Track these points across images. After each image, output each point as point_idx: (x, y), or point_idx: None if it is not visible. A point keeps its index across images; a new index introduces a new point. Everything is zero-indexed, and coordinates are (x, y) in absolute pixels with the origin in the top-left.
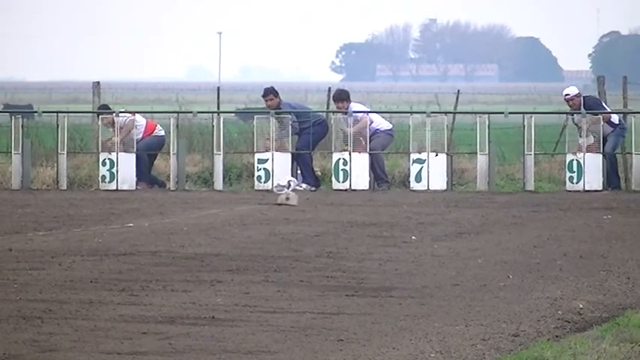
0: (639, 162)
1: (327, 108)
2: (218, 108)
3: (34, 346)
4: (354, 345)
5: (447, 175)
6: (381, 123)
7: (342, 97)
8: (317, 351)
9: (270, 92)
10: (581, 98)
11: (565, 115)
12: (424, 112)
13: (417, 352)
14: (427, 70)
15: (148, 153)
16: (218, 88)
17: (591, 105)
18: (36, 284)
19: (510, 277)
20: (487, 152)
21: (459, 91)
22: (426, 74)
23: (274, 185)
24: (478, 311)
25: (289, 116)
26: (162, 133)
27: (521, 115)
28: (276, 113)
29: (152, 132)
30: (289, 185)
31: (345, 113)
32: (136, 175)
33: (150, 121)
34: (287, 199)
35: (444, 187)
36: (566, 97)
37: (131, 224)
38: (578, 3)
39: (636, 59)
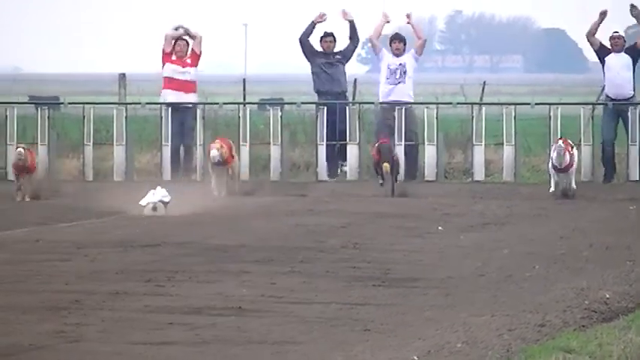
0: None
1: (354, 99)
2: (244, 99)
3: (60, 336)
4: (380, 335)
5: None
6: None
7: (400, 37)
8: (343, 341)
9: (330, 35)
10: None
11: (591, 105)
12: (450, 103)
13: (443, 343)
14: (453, 61)
15: None
16: (244, 80)
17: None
18: (62, 275)
19: (536, 267)
20: (513, 143)
21: (484, 82)
22: (451, 65)
23: (145, 204)
24: (504, 302)
25: None
26: None
27: (547, 106)
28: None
29: None
30: (154, 207)
31: (398, 56)
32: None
33: None
34: (154, 209)
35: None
36: (615, 33)
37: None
38: None
39: None
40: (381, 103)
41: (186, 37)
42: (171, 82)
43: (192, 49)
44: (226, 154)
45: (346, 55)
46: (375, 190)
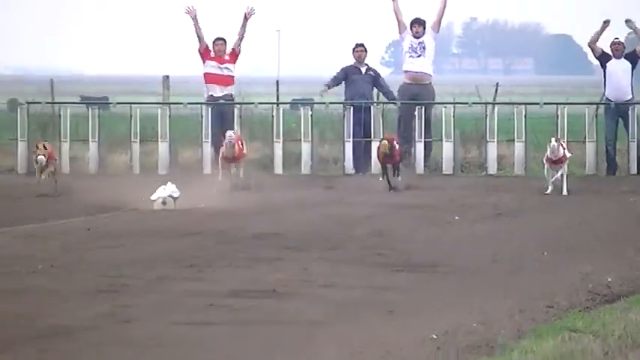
0: None
1: (378, 99)
2: (277, 99)
3: (111, 317)
4: (403, 317)
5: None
6: None
7: (420, 21)
8: (368, 322)
9: (361, 45)
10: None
11: (595, 105)
12: (466, 103)
13: (461, 323)
14: (468, 64)
15: None
16: (277, 82)
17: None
18: (111, 261)
19: (545, 254)
20: (524, 140)
21: (497, 83)
22: (467, 68)
23: (155, 198)
24: (515, 286)
25: None
26: None
27: (555, 105)
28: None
29: None
30: (164, 202)
31: (418, 37)
32: None
33: None
34: (164, 203)
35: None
36: (616, 39)
37: (203, 205)
38: (608, 3)
39: None
40: (403, 78)
41: (224, 37)
42: (211, 77)
43: (233, 47)
44: (238, 150)
45: (377, 79)
46: (394, 184)
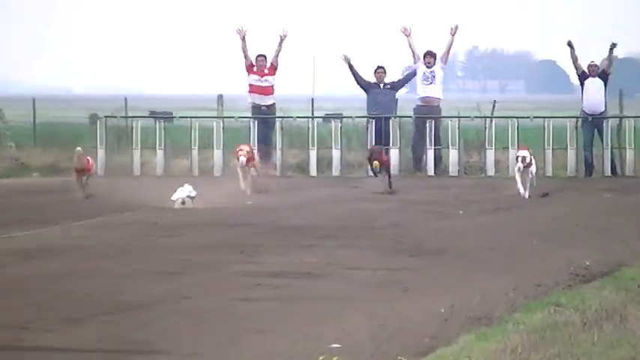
0: (631, 155)
1: (395, 113)
2: (312, 114)
3: (174, 293)
4: (416, 293)
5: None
6: None
7: (432, 53)
8: (387, 298)
9: (381, 67)
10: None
11: (575, 119)
12: (469, 117)
13: (465, 299)
14: (470, 85)
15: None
16: (312, 99)
17: (604, 79)
18: (174, 247)
19: (534, 242)
20: (516, 147)
21: (495, 101)
22: (469, 88)
23: (175, 199)
24: (509, 268)
25: None
26: None
27: (542, 119)
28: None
29: None
30: (183, 201)
31: (429, 67)
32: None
33: None
34: (183, 203)
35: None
36: (592, 62)
37: (250, 202)
38: (588, 34)
39: (626, 76)
40: (417, 101)
41: (265, 54)
42: (254, 88)
43: (271, 62)
44: (249, 157)
45: (396, 87)
46: (387, 185)
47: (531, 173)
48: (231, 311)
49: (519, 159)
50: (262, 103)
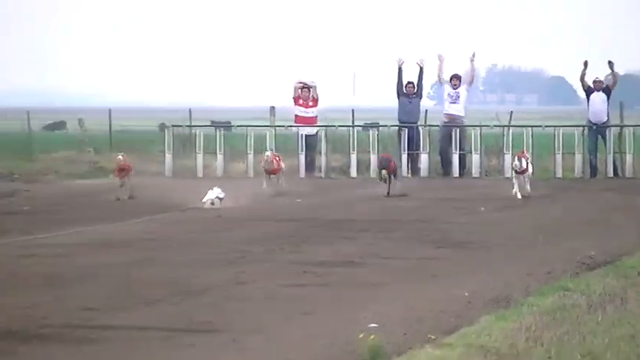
0: (630, 159)
1: (425, 122)
2: (353, 123)
3: (231, 280)
4: (443, 279)
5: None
6: None
7: (457, 76)
8: (418, 283)
9: (411, 82)
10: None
11: (581, 127)
12: (488, 125)
13: (486, 283)
14: (490, 97)
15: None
16: (352, 110)
17: (607, 93)
18: (231, 239)
19: (541, 236)
20: (530, 152)
21: (511, 112)
22: (489, 100)
23: (205, 200)
24: (524, 257)
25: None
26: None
27: (553, 127)
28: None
29: None
30: (212, 202)
31: (455, 88)
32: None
33: None
34: (212, 204)
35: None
36: (597, 78)
37: (299, 200)
38: (593, 53)
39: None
40: (443, 117)
41: (308, 87)
42: (299, 119)
43: (312, 96)
44: (275, 165)
45: (419, 93)
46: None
47: (527, 177)
48: (281, 295)
49: (515, 165)
50: (307, 133)
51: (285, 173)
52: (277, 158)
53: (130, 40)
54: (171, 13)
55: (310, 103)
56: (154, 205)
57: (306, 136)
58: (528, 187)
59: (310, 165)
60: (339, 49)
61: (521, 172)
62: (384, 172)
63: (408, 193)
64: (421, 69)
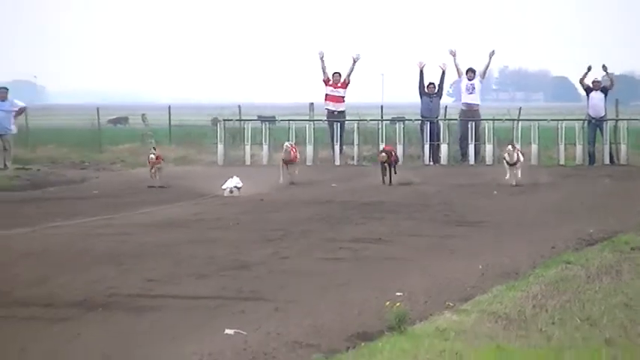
0: (624, 148)
1: (445, 117)
2: (382, 117)
3: (274, 255)
4: (460, 254)
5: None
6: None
7: (472, 69)
8: (438, 258)
9: (432, 83)
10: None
11: (582, 121)
12: (501, 119)
13: (497, 258)
14: (502, 96)
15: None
16: (382, 106)
17: (605, 92)
18: (275, 220)
19: (549, 215)
20: (537, 143)
21: (520, 108)
22: (502, 98)
23: (225, 188)
24: (531, 235)
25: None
26: None
27: (556, 121)
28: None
29: None
30: (231, 191)
31: (470, 80)
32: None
33: None
34: (231, 192)
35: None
36: (596, 79)
37: (334, 184)
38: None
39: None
40: (461, 107)
41: (339, 71)
42: (328, 97)
43: (344, 78)
44: (292, 155)
45: (439, 93)
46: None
47: (518, 167)
48: (319, 268)
49: (507, 156)
50: (335, 109)
51: (299, 163)
52: (294, 149)
53: (184, 44)
54: (224, 22)
55: (339, 85)
56: (203, 190)
57: (336, 112)
58: (519, 175)
59: (342, 153)
60: (370, 53)
61: (512, 164)
62: (383, 154)
63: (411, 181)
64: (443, 72)
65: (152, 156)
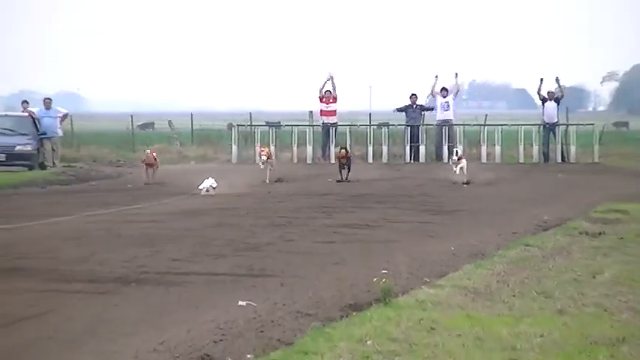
0: (574, 149)
1: (422, 122)
2: (369, 122)
3: (281, 238)
4: (437, 238)
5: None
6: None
7: (446, 88)
8: (419, 241)
9: (414, 94)
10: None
11: (538, 126)
12: (469, 124)
13: (469, 242)
14: (471, 104)
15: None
16: (370, 114)
17: (557, 102)
18: (279, 209)
19: (513, 204)
20: (500, 144)
21: (486, 115)
22: (471, 106)
23: (201, 188)
24: (497, 221)
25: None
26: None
27: (517, 126)
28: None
29: None
30: (207, 189)
31: (444, 97)
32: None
33: None
34: (207, 191)
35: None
36: (550, 91)
37: (330, 179)
38: (548, 69)
39: (572, 99)
40: (437, 121)
41: (330, 89)
42: (323, 112)
43: (333, 95)
44: (266, 155)
45: (423, 109)
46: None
47: (460, 165)
48: (317, 250)
49: (454, 157)
50: (328, 122)
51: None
52: (269, 152)
53: (203, 60)
54: (237, 42)
55: (331, 100)
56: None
57: (329, 124)
58: (465, 174)
59: (325, 148)
60: (357, 65)
61: (455, 163)
62: (342, 151)
63: (358, 179)
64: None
65: (148, 151)
